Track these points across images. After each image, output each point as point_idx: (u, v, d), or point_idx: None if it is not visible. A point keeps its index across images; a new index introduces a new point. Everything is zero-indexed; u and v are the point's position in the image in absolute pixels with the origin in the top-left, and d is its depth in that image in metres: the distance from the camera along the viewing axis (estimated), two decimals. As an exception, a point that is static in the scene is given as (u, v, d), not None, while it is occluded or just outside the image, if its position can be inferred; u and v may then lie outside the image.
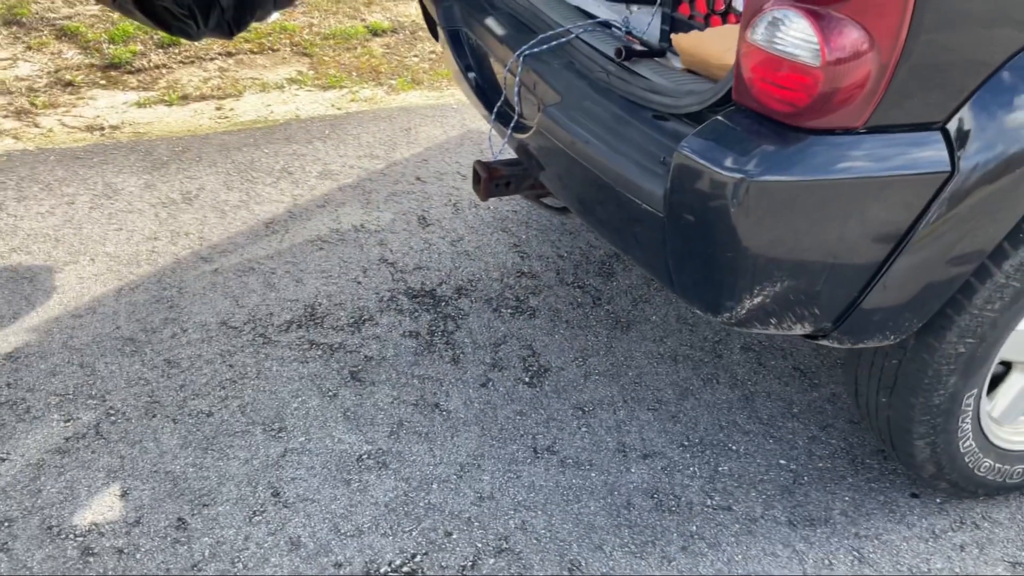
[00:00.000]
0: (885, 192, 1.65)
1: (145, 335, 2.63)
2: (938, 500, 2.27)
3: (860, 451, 2.40)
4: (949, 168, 1.65)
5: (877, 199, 1.65)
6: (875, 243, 1.70)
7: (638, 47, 2.11)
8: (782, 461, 2.36)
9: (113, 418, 2.34)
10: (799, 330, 1.86)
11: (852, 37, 1.53)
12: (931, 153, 1.66)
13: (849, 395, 2.33)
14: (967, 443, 2.07)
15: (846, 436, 2.45)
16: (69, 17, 4.59)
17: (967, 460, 2.10)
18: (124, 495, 2.13)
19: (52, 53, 4.29)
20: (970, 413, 2.03)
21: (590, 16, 2.37)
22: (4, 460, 2.20)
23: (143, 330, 2.65)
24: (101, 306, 2.73)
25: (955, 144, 1.65)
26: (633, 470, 2.30)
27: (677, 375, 2.62)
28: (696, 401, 2.53)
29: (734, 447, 2.39)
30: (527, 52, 2.23)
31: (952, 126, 1.65)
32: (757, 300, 1.77)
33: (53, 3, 4.71)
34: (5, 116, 3.75)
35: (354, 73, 4.43)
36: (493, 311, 2.83)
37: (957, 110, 1.65)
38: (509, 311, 2.83)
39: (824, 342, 1.90)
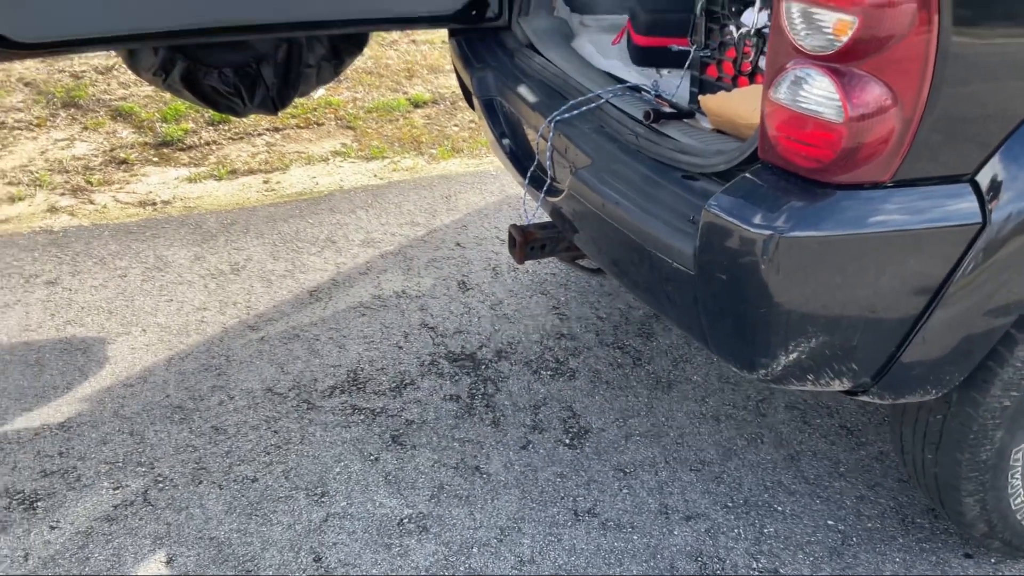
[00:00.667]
0: (916, 245, 1.64)
1: (193, 403, 2.68)
2: (992, 560, 2.20)
3: (910, 510, 2.34)
4: (981, 220, 1.64)
5: (908, 252, 1.64)
6: (910, 296, 1.69)
7: (667, 109, 2.15)
8: (830, 522, 2.31)
9: (161, 485, 2.38)
10: (838, 386, 1.84)
11: (874, 93, 1.54)
12: (962, 205, 1.66)
13: (896, 452, 2.28)
14: (1018, 500, 2.01)
15: (895, 495, 2.39)
16: (124, 98, 4.80)
17: (1019, 517, 2.04)
18: (170, 562, 2.16)
19: (107, 133, 4.47)
20: (1019, 469, 1.98)
21: (620, 81, 2.42)
22: (54, 528, 2.24)
23: (191, 398, 2.70)
24: (151, 375, 2.80)
25: (986, 196, 1.64)
26: (676, 532, 2.27)
27: (720, 435, 2.60)
28: (740, 461, 2.50)
29: (780, 508, 2.35)
30: (558, 118, 2.28)
31: (982, 178, 1.65)
32: (792, 356, 1.76)
33: (109, 85, 4.92)
34: (62, 194, 3.91)
35: (396, 144, 4.54)
36: (533, 373, 2.84)
37: (986, 162, 1.65)
38: (549, 373, 2.84)
39: (865, 398, 1.88)
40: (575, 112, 2.28)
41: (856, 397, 1.91)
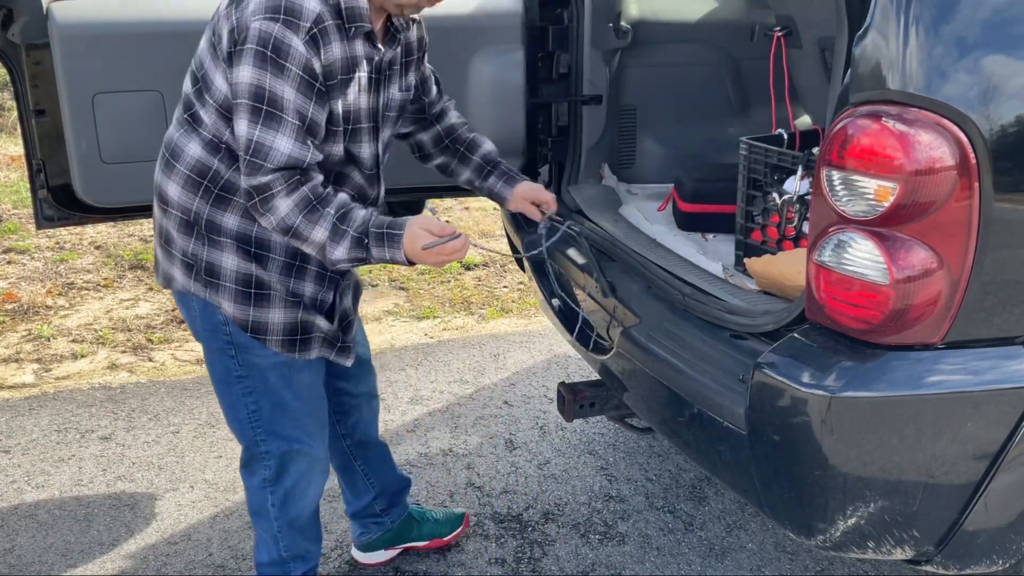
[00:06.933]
0: (972, 408, 1.62)
1: (235, 562, 2.65)
2: None
3: None
4: (1038, 381, 1.62)
5: (964, 415, 1.62)
6: (968, 460, 1.65)
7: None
8: None
9: (199, 648, 2.33)
10: (900, 555, 1.77)
11: (919, 256, 1.56)
12: (1018, 367, 1.64)
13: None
14: None
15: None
16: (188, 260, 5.00)
17: None
18: None
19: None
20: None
21: (665, 247, 2.49)
22: None
23: (233, 557, 2.68)
24: (196, 533, 2.79)
25: (1041, 357, 1.63)
26: None
27: (777, 606, 2.48)
28: (799, 635, 2.38)
29: None
30: (604, 276, 2.34)
31: (1036, 339, 1.64)
32: (851, 521, 1.70)
33: (175, 248, 5.15)
34: (123, 351, 4.03)
35: (447, 304, 4.64)
36: (581, 537, 2.77)
37: (1039, 322, 1.64)
38: (597, 537, 2.77)
39: (928, 568, 1.80)
40: (625, 274, 2.33)
41: (919, 567, 1.83)
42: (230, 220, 1.96)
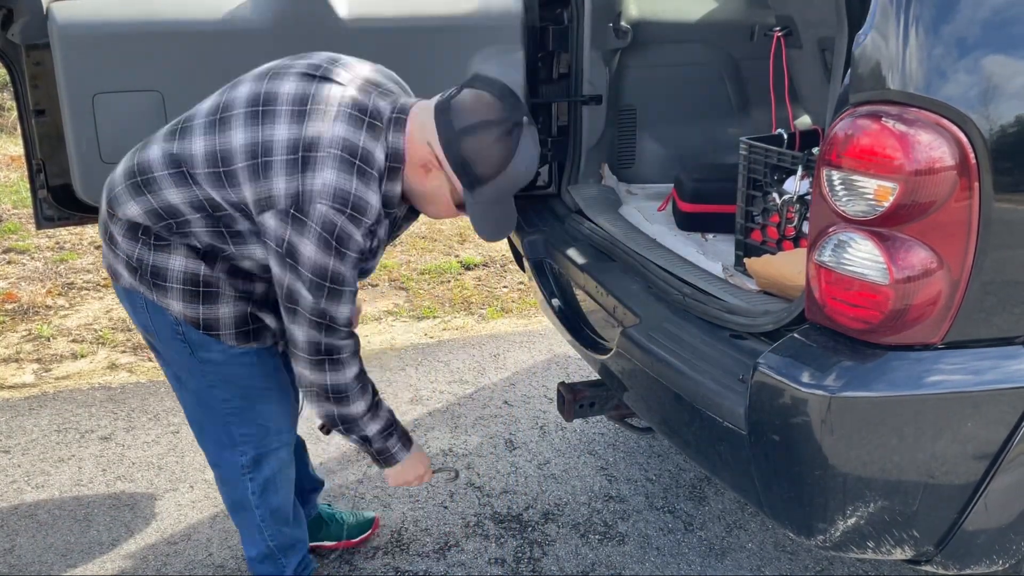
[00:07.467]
0: (972, 408, 1.62)
1: (235, 562, 2.65)
2: None
3: None
4: (1037, 381, 1.62)
5: (964, 415, 1.62)
6: (968, 460, 1.65)
7: None
8: None
9: (198, 648, 2.33)
10: (900, 554, 1.77)
11: (919, 256, 1.56)
12: (1017, 367, 1.64)
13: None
14: None
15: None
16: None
17: None
18: None
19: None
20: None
21: (665, 247, 2.49)
22: None
23: (233, 557, 2.68)
24: (196, 533, 2.79)
25: (1041, 357, 1.63)
26: None
27: (777, 606, 2.48)
28: (799, 635, 2.38)
29: None
30: (604, 277, 2.34)
31: (1036, 339, 1.64)
32: (851, 521, 1.71)
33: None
34: (123, 351, 4.03)
35: (447, 304, 4.64)
36: (580, 537, 2.77)
37: (1039, 323, 1.64)
38: (597, 537, 2.77)
39: (928, 568, 1.80)
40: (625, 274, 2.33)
41: (919, 567, 1.83)
42: (177, 261, 1.97)
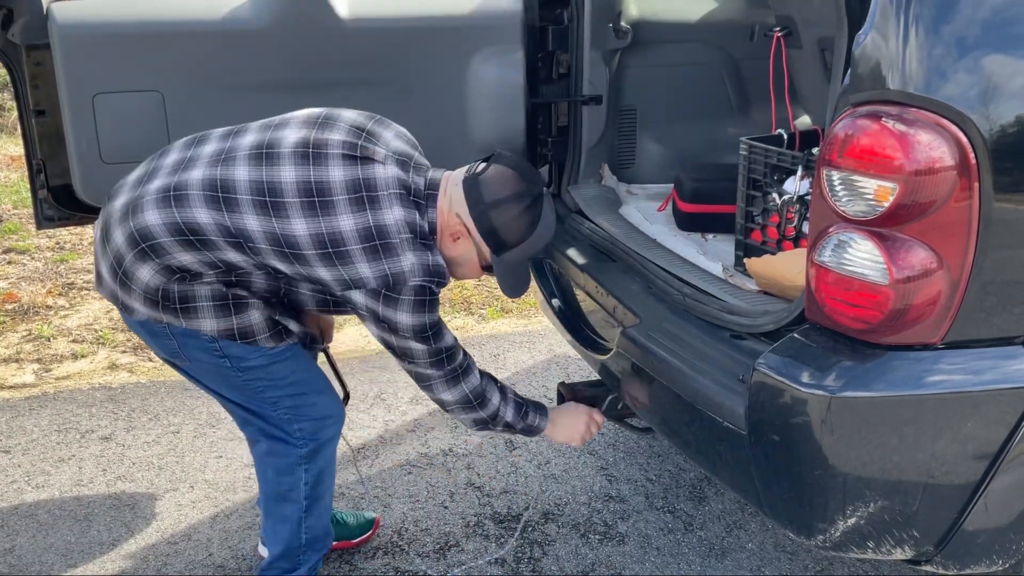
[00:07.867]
0: (972, 408, 1.62)
1: (235, 562, 2.65)
2: None
3: None
4: (1037, 381, 1.62)
5: (964, 415, 1.62)
6: (968, 461, 1.65)
7: None
8: None
9: (199, 648, 2.33)
10: (900, 554, 1.78)
11: (919, 256, 1.56)
12: (1017, 367, 1.64)
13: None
14: None
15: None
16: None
17: None
18: None
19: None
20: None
21: (665, 247, 2.49)
22: None
23: (234, 557, 2.68)
24: (196, 533, 2.79)
25: (1041, 357, 1.63)
26: None
27: (777, 606, 2.48)
28: (799, 635, 2.38)
29: None
30: (604, 277, 2.34)
31: (1036, 339, 1.64)
32: (851, 521, 1.71)
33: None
34: (123, 351, 4.03)
35: (447, 304, 4.64)
36: (580, 536, 2.77)
37: (1040, 323, 1.64)
38: (597, 537, 2.77)
39: (928, 568, 1.80)
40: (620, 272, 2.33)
41: (919, 567, 1.83)
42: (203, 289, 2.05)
